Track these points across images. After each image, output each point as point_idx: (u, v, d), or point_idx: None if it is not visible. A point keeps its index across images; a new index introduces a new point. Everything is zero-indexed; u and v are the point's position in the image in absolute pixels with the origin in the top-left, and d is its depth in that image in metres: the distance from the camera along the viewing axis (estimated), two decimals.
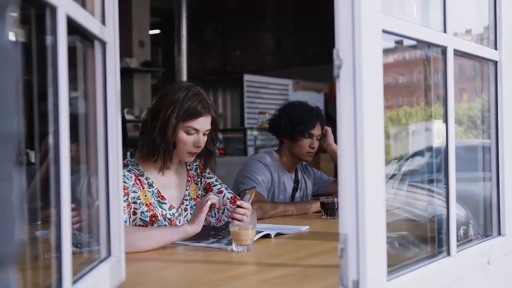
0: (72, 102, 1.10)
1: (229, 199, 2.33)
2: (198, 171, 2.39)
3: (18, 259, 0.59)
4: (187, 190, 2.32)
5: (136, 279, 1.50)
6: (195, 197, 2.34)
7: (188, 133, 2.17)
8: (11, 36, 0.60)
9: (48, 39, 1.00)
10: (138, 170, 2.20)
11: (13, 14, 0.62)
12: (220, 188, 2.37)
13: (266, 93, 8.28)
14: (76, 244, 1.32)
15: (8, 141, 0.56)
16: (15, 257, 0.58)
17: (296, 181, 3.13)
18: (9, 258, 0.57)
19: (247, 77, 8.17)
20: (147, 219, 2.13)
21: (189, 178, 2.35)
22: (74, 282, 1.08)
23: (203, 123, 2.18)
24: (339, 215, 1.19)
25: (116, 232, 1.38)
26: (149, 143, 2.18)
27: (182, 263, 1.76)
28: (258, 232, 2.02)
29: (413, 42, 1.57)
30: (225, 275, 1.59)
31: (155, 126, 2.15)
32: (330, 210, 2.63)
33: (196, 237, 2.04)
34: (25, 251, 1.10)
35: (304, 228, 2.33)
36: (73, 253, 1.06)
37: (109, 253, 1.36)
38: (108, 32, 1.35)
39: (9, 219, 0.56)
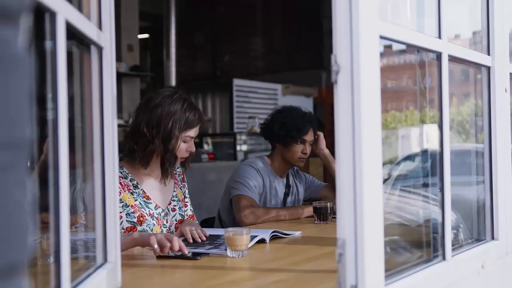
0: (68, 107, 1.10)
1: (187, 216, 2.40)
2: (180, 178, 2.47)
3: (28, 266, 0.59)
4: (174, 191, 2.39)
5: (131, 285, 1.50)
6: (181, 199, 2.41)
7: (184, 142, 2.25)
8: (24, 44, 0.60)
9: (47, 44, 0.99)
10: (122, 173, 2.21)
11: (26, 21, 0.62)
12: (187, 202, 2.47)
13: (256, 98, 8.27)
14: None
15: (22, 148, 0.56)
16: (27, 264, 0.58)
17: (288, 186, 3.13)
18: (23, 264, 0.57)
19: (236, 81, 8.16)
20: (135, 219, 2.17)
21: (176, 181, 2.42)
22: None
23: (197, 130, 2.30)
24: (337, 220, 1.19)
25: (112, 238, 1.37)
26: (149, 154, 2.21)
27: (177, 269, 1.75)
28: (253, 237, 2.02)
29: (403, 47, 1.58)
30: (220, 281, 1.59)
31: (154, 137, 2.19)
32: (322, 215, 2.63)
33: (193, 244, 2.03)
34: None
35: (298, 233, 2.33)
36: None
37: (105, 259, 1.35)
38: (105, 37, 1.34)
39: (22, 226, 0.56)
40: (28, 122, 0.58)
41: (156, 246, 1.78)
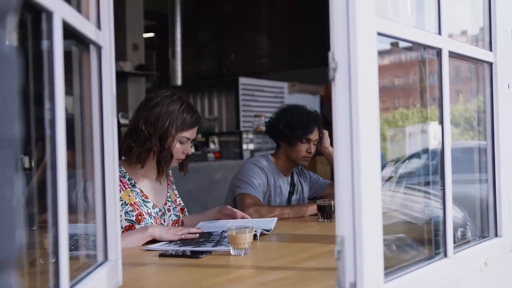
0: (67, 107, 1.10)
1: (172, 221, 2.40)
2: (172, 180, 2.51)
3: (17, 263, 0.59)
4: (168, 192, 2.43)
5: (132, 284, 1.50)
6: (174, 201, 2.45)
7: (181, 143, 2.28)
8: (11, 42, 0.60)
9: (44, 44, 1.00)
10: (120, 172, 2.23)
11: (14, 19, 0.62)
12: (179, 198, 2.50)
13: (262, 96, 8.28)
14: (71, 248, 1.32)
15: (9, 146, 0.57)
16: (16, 261, 0.59)
17: (292, 185, 3.13)
18: (10, 261, 0.57)
19: (242, 80, 8.16)
20: (133, 218, 2.20)
21: (169, 183, 2.47)
22: (72, 287, 1.08)
23: (195, 133, 2.33)
24: (336, 217, 1.19)
25: (113, 237, 1.37)
26: (145, 151, 2.24)
27: (179, 267, 1.75)
28: None
29: (408, 44, 1.57)
30: (223, 279, 1.59)
31: (151, 135, 2.22)
32: (326, 213, 2.62)
33: (191, 243, 2.02)
34: (22, 256, 1.09)
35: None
36: (70, 258, 1.05)
37: (106, 258, 1.36)
38: (104, 36, 1.35)
39: (10, 223, 0.57)
40: (16, 120, 0.59)
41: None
